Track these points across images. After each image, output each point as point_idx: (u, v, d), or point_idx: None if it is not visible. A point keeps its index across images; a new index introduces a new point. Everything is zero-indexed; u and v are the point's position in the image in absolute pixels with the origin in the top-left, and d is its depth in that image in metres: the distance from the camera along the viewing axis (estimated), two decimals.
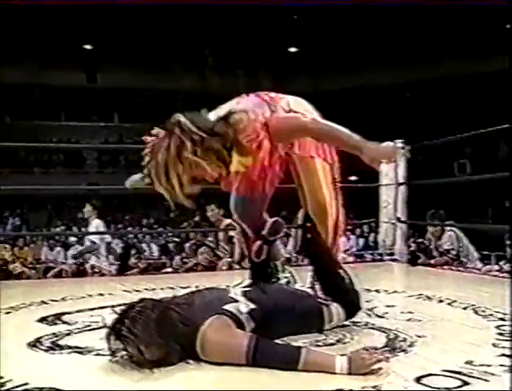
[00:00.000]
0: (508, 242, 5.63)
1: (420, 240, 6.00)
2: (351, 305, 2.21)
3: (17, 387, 1.53)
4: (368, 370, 1.60)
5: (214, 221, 5.95)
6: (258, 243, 2.32)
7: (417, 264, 4.75)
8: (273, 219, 2.37)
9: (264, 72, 18.10)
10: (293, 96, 2.37)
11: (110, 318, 1.78)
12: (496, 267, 5.17)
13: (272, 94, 2.30)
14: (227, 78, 17.82)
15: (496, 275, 4.19)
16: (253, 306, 1.87)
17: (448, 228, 5.54)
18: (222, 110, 2.11)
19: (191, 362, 1.72)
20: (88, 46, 17.07)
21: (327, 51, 16.20)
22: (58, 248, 10.53)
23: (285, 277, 2.45)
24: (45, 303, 2.89)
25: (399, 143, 4.83)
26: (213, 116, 2.06)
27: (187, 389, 1.59)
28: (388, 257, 4.79)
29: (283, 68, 17.40)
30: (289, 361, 1.66)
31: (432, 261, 5.07)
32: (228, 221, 5.78)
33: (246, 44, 16.02)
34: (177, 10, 13.68)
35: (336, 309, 2.15)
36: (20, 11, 13.27)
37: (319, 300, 2.18)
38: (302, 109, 2.29)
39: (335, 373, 1.60)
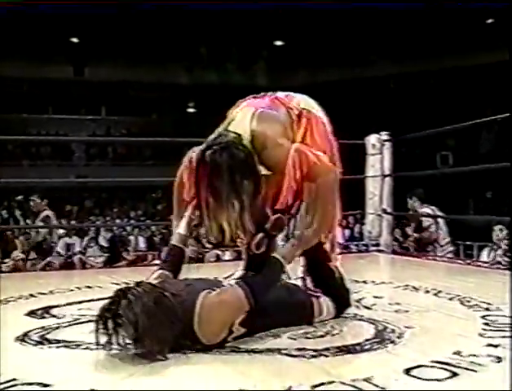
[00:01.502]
0: (497, 231, 5.69)
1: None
2: (341, 300, 2.23)
3: (5, 382, 1.51)
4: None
5: (36, 212, 6.81)
6: (260, 235, 2.30)
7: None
8: (276, 215, 2.35)
9: (257, 65, 18.07)
10: (300, 94, 2.38)
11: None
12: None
13: (282, 95, 2.31)
14: (217, 71, 17.78)
15: (479, 266, 4.23)
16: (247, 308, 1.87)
17: (424, 209, 5.63)
18: (244, 124, 2.10)
19: (180, 355, 1.72)
20: (75, 40, 16.93)
21: (313, 45, 16.18)
22: None
23: None
24: (33, 296, 2.87)
25: (384, 135, 4.88)
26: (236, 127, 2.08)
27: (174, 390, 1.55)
28: (374, 248, 4.83)
29: (273, 62, 17.39)
30: (278, 276, 1.96)
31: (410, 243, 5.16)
32: (47, 212, 6.15)
33: (238, 37, 15.95)
34: (166, 4, 13.60)
35: (326, 302, 2.16)
36: (8, 4, 13.12)
37: (309, 292, 2.19)
38: (313, 108, 2.32)
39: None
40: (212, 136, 2.08)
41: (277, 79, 17.33)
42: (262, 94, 2.34)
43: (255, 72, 18.02)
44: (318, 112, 2.34)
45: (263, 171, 2.13)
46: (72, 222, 14.06)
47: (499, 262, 4.96)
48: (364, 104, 16.47)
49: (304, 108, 2.28)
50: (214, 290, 1.83)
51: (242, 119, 2.14)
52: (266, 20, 14.68)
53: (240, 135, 2.03)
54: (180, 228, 2.20)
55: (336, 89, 16.72)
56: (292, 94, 2.36)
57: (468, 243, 9.36)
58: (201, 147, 1.99)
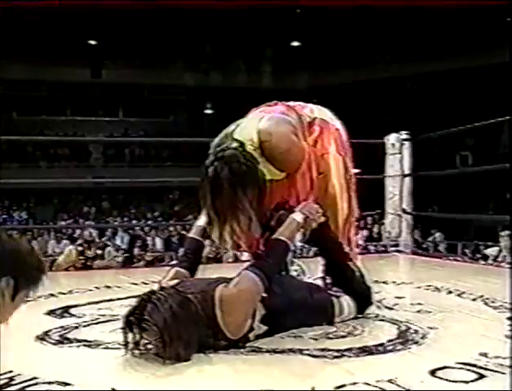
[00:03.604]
0: (502, 233, 5.59)
1: None
2: (362, 298, 2.19)
3: (26, 381, 1.51)
4: (318, 221, 2.04)
5: None
6: (267, 234, 2.29)
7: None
8: (280, 212, 2.34)
9: (265, 67, 18.05)
10: (313, 105, 2.37)
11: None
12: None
13: (294, 104, 2.31)
14: (229, 73, 17.79)
15: (502, 266, 4.15)
16: (264, 294, 1.86)
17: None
18: (252, 126, 2.10)
19: (202, 355, 1.70)
20: (93, 42, 17.06)
21: (329, 46, 16.13)
22: (64, 241, 10.60)
23: (295, 270, 2.44)
24: (53, 296, 2.87)
25: (403, 135, 4.83)
26: (246, 131, 2.07)
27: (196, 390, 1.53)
28: (393, 249, 4.77)
29: (284, 62, 17.36)
30: (283, 254, 1.99)
31: None
32: None
33: (248, 38, 15.96)
34: (180, 6, 13.65)
35: (346, 301, 2.13)
36: (26, 8, 13.26)
37: (329, 292, 2.16)
38: (327, 117, 2.31)
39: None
40: (216, 140, 2.07)
41: (292, 80, 17.36)
42: (274, 102, 2.32)
43: (269, 74, 18.04)
44: (332, 121, 2.32)
45: (275, 175, 2.12)
46: (91, 223, 14.17)
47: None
48: (382, 105, 16.38)
49: (316, 117, 2.26)
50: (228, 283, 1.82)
51: (250, 122, 2.13)
52: (281, 21, 14.68)
53: (242, 144, 2.00)
54: (200, 221, 2.20)
55: (352, 90, 16.67)
56: (304, 103, 2.35)
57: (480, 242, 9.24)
58: (206, 162, 1.99)
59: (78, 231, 10.21)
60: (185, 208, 16.01)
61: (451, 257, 4.74)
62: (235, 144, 2.00)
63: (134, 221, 15.26)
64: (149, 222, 15.41)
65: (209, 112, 20.56)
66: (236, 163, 1.93)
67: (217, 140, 2.08)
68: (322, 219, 2.09)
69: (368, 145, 4.75)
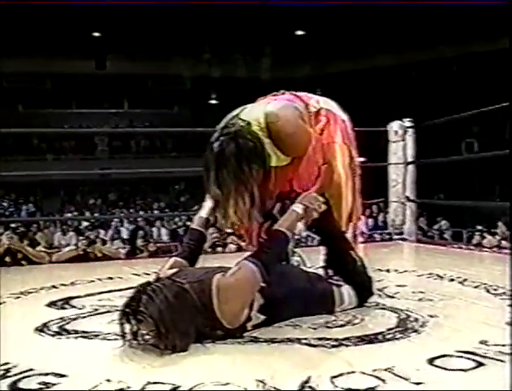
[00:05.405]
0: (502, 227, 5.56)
1: None
2: (363, 288, 2.18)
3: (22, 372, 1.51)
4: (319, 211, 2.00)
5: None
6: (269, 223, 2.28)
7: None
8: (282, 201, 2.33)
9: (268, 56, 17.94)
10: (321, 97, 2.36)
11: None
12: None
13: (300, 94, 2.30)
14: (232, 63, 17.71)
15: (506, 253, 4.11)
16: (263, 284, 1.85)
17: None
18: (258, 109, 2.09)
19: (199, 346, 1.70)
20: (97, 34, 17.01)
21: (333, 35, 16.00)
22: (70, 233, 10.66)
23: (296, 261, 2.43)
24: (55, 287, 2.88)
25: (407, 122, 4.79)
26: (251, 115, 2.06)
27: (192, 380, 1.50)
28: (397, 237, 4.75)
29: (287, 52, 17.23)
30: (283, 245, 1.96)
31: None
32: None
33: (250, 28, 15.85)
34: None
35: (347, 291, 2.12)
36: (29, 0, 13.24)
37: (330, 281, 2.15)
38: (333, 107, 2.31)
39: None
40: (221, 124, 2.05)
41: (295, 69, 17.28)
42: (281, 91, 2.32)
43: (273, 64, 17.94)
44: (338, 112, 2.32)
45: (280, 160, 2.10)
46: (96, 215, 14.20)
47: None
48: (386, 92, 16.27)
49: (322, 107, 2.26)
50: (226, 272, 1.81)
51: (257, 105, 2.14)
52: (283, 11, 14.57)
53: (249, 123, 2.00)
54: (202, 212, 2.19)
55: (355, 78, 16.57)
56: (310, 94, 2.34)
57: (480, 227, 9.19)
58: (211, 139, 1.97)
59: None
60: (191, 199, 16.03)
61: (455, 245, 4.71)
62: (242, 123, 2.00)
63: (141, 213, 15.30)
64: (155, 212, 15.44)
65: (213, 102, 20.50)
66: (242, 138, 1.92)
67: (223, 122, 2.07)
68: (323, 208, 2.06)
69: (370, 133, 4.71)
